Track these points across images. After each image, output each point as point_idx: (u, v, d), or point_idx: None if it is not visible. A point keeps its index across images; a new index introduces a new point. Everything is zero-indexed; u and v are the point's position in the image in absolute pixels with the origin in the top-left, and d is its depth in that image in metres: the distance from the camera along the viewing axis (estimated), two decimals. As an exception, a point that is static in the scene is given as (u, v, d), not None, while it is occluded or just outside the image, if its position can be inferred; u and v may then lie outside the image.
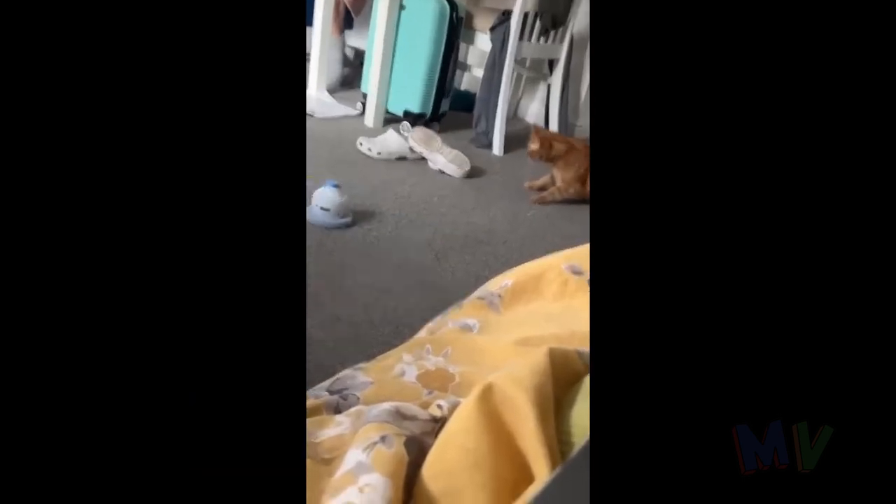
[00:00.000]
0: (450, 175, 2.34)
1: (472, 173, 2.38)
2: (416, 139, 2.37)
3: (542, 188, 2.31)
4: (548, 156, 2.23)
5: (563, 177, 2.25)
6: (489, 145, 2.72)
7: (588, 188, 2.24)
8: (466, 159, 2.37)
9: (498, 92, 2.65)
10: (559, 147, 2.24)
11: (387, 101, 2.72)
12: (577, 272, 0.91)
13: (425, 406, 0.59)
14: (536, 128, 2.30)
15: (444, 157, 2.34)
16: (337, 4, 2.95)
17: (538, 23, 2.62)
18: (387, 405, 0.54)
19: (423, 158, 2.41)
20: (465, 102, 3.03)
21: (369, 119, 2.71)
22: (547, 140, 2.23)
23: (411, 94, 2.68)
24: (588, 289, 0.89)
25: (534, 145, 2.23)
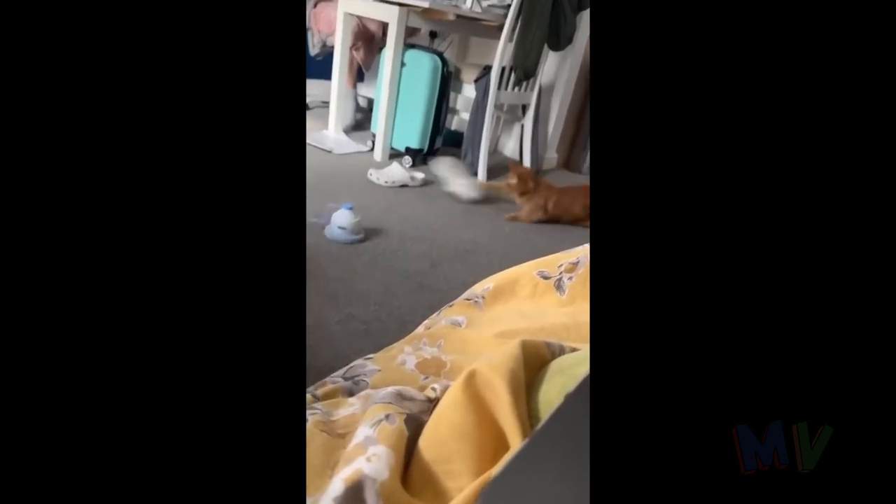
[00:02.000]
0: (459, 196, 2.34)
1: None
2: (444, 165, 2.40)
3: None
4: (523, 189, 2.23)
5: (527, 208, 2.25)
6: (475, 174, 2.72)
7: (548, 214, 2.25)
8: (478, 186, 2.38)
9: (482, 131, 2.65)
10: (531, 185, 2.24)
11: (392, 139, 2.72)
12: (545, 277, 0.91)
13: (422, 389, 0.59)
14: (513, 165, 2.30)
15: (463, 181, 2.35)
16: (351, 61, 2.96)
17: (513, 75, 2.63)
18: (390, 389, 0.54)
19: (423, 185, 2.40)
20: (454, 139, 3.03)
21: (377, 154, 2.71)
22: (524, 177, 2.24)
23: (411, 133, 2.68)
24: (554, 290, 0.89)
25: (512, 180, 2.24)
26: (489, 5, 2.77)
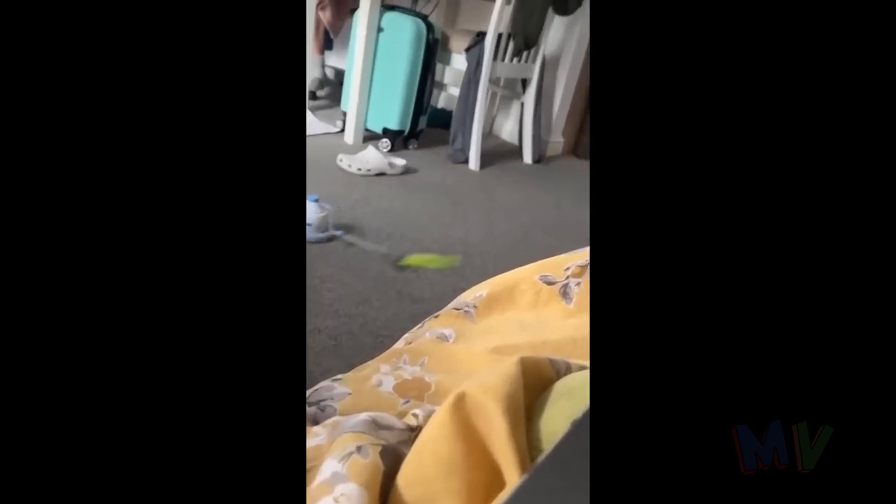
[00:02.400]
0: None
1: (451, 188, 2.38)
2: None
3: None
4: None
5: None
6: (466, 161, 2.73)
7: None
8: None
9: (473, 110, 2.66)
10: None
11: (366, 119, 2.72)
12: (549, 282, 0.92)
13: (401, 416, 0.58)
14: None
15: None
16: (317, 25, 2.95)
17: (511, 44, 2.64)
18: (363, 415, 0.54)
19: (403, 174, 2.40)
20: (441, 120, 3.04)
21: (349, 136, 2.70)
22: None
23: (390, 111, 2.68)
24: (559, 298, 0.89)
25: None
26: (483, -39, 2.78)
